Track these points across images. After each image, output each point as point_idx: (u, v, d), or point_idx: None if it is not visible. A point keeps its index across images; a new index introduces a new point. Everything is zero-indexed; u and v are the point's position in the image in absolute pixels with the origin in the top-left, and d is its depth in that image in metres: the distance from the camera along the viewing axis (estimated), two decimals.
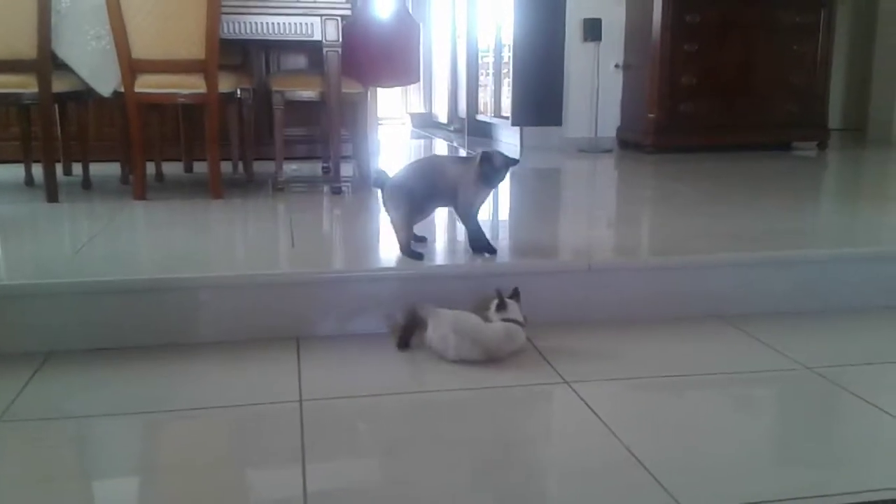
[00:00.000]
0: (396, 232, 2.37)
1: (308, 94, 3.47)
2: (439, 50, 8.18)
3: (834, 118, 5.92)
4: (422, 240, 2.48)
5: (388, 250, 2.62)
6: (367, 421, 1.69)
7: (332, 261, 2.47)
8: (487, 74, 6.63)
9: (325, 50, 3.29)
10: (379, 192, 2.39)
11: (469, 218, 2.34)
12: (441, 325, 1.95)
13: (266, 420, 1.68)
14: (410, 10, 8.28)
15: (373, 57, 3.53)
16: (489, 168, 2.25)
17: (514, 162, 2.29)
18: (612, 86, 5.64)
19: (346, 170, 4.00)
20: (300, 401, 1.74)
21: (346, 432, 1.62)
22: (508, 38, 5.79)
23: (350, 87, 3.47)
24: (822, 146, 5.29)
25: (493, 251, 2.34)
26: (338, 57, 3.30)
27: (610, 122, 5.66)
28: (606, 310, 2.25)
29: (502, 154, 2.28)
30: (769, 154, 5.12)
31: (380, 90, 6.04)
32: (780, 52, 5.21)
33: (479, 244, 2.35)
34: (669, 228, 2.82)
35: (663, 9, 5.01)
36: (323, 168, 4.16)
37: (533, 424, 1.67)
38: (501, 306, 2.02)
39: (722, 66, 5.17)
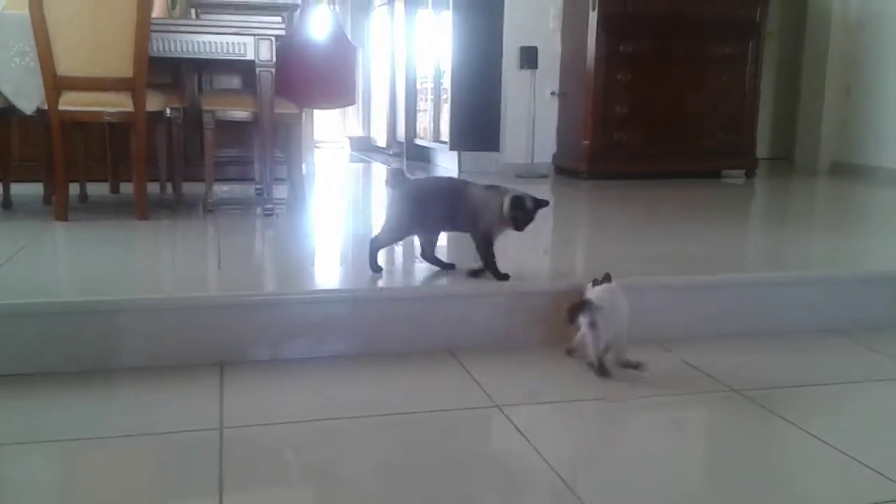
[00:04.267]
0: (380, 233, 2.35)
1: (240, 114, 3.41)
2: (378, 74, 8.18)
3: (762, 147, 6.09)
4: (450, 266, 2.42)
5: (319, 273, 2.59)
6: (290, 448, 1.63)
7: (260, 283, 2.41)
8: (426, 99, 6.65)
9: (258, 70, 3.24)
10: (390, 190, 2.35)
11: (486, 248, 2.30)
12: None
13: (185, 449, 1.61)
14: (349, 34, 8.30)
15: (308, 78, 3.50)
16: (520, 213, 2.23)
17: (544, 204, 2.26)
18: (549, 113, 5.70)
19: (280, 192, 3.94)
20: (220, 428, 1.67)
21: (266, 461, 1.56)
22: (447, 63, 5.82)
23: (284, 108, 3.43)
24: (750, 174, 5.43)
25: (505, 278, 2.30)
26: (271, 77, 3.25)
27: (546, 149, 5.72)
28: (537, 333, 2.24)
29: (532, 197, 2.24)
30: (699, 182, 5.24)
31: (317, 112, 6.00)
32: (710, 83, 5.34)
33: (494, 273, 2.31)
34: (602, 253, 2.84)
35: (597, 39, 5.10)
36: (256, 190, 4.09)
37: (463, 450, 1.64)
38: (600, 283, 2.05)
39: (654, 96, 5.28)
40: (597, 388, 1.95)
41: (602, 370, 1.98)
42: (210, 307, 2.09)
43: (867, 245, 3.20)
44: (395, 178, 2.36)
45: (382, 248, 2.39)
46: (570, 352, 2.10)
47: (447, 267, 2.42)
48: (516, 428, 1.71)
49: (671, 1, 5.27)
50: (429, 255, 2.43)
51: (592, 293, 2.03)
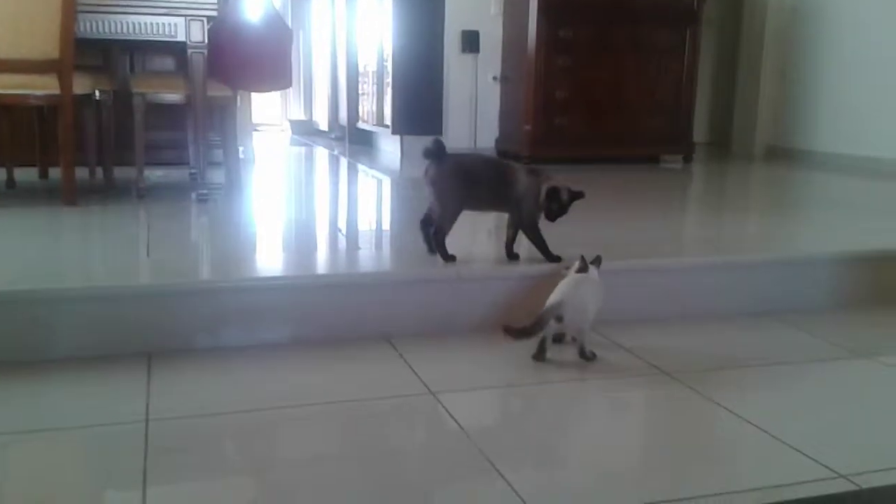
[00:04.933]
0: (440, 218, 2.26)
1: (172, 96, 3.33)
2: (319, 57, 8.07)
3: (700, 133, 6.19)
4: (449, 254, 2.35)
5: (253, 260, 2.54)
6: (218, 440, 1.60)
7: (190, 271, 2.35)
8: (368, 83, 6.58)
9: (189, 51, 3.16)
10: (430, 165, 2.23)
11: (533, 231, 2.28)
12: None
13: (109, 442, 1.56)
14: (289, 16, 8.17)
15: (242, 60, 3.42)
16: (554, 204, 2.21)
17: (580, 195, 2.24)
18: (491, 97, 5.70)
19: (217, 176, 3.86)
20: (146, 420, 1.63)
21: (192, 453, 1.52)
22: (388, 47, 5.76)
23: (217, 91, 3.35)
24: (688, 159, 5.51)
25: (557, 260, 2.28)
26: (203, 59, 3.17)
27: (489, 133, 5.72)
28: (475, 318, 2.24)
29: (569, 188, 2.22)
30: (639, 166, 5.30)
31: (256, 96, 5.90)
32: (648, 70, 5.39)
33: (546, 256, 2.30)
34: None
35: (538, 24, 5.10)
36: (190, 175, 4.00)
37: (396, 439, 1.63)
38: (582, 269, 2.03)
39: (594, 82, 5.31)
40: (532, 373, 1.95)
41: (589, 357, 1.99)
42: (136, 296, 2.03)
43: (800, 228, 3.27)
44: (437, 149, 2.21)
45: (447, 233, 2.28)
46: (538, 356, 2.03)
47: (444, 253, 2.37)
48: (450, 415, 1.70)
49: None
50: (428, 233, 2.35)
51: (558, 289, 2.00)
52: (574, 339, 2.02)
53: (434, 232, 2.29)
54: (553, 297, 1.96)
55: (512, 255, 2.36)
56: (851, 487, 1.41)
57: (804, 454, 1.53)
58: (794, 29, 5.92)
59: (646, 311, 2.37)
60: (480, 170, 2.30)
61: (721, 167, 5.70)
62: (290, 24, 7.96)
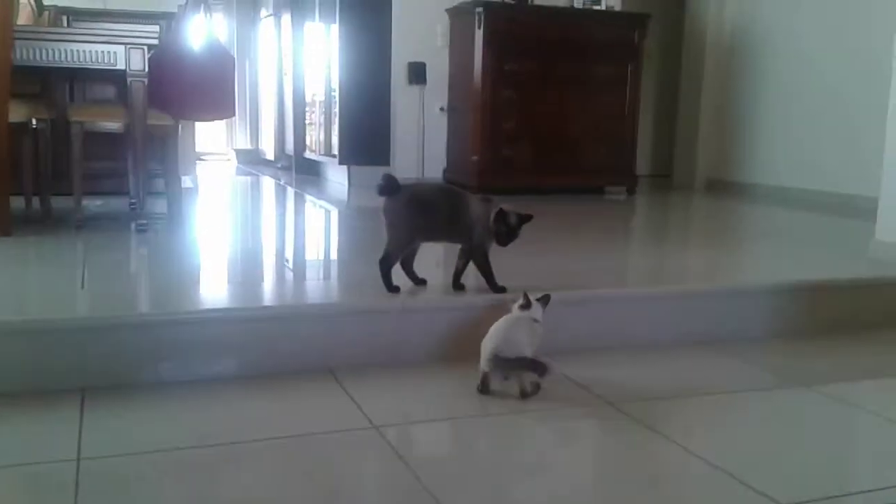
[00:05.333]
0: (389, 249, 2.24)
1: (111, 125, 3.26)
2: (266, 86, 8.03)
3: (643, 165, 6.31)
4: (422, 282, 2.35)
5: (193, 292, 2.49)
6: (151, 479, 1.54)
7: (127, 303, 2.29)
8: (315, 113, 6.56)
9: (129, 80, 3.10)
10: (385, 200, 2.22)
11: (483, 259, 2.28)
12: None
13: (37, 482, 1.50)
14: (235, 43, 8.13)
15: (183, 89, 3.38)
16: (503, 227, 2.20)
17: (528, 218, 2.23)
18: (438, 128, 5.74)
19: (158, 206, 3.78)
20: (78, 459, 1.57)
21: (125, 493, 1.47)
22: (335, 77, 5.76)
23: (158, 120, 3.30)
24: (631, 191, 5.61)
25: (502, 290, 2.28)
26: (143, 87, 3.12)
27: (437, 163, 5.74)
28: (421, 350, 2.22)
29: (516, 212, 2.21)
30: (583, 198, 5.37)
31: (201, 125, 5.83)
32: (592, 103, 5.49)
33: (492, 286, 2.30)
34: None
35: (484, 57, 5.16)
36: (130, 205, 3.91)
37: (337, 475, 1.59)
38: (525, 306, 2.01)
39: (540, 114, 5.39)
40: (477, 405, 1.93)
41: (531, 394, 1.96)
42: (70, 329, 1.96)
43: (739, 259, 3.34)
44: (389, 184, 2.22)
45: (394, 264, 2.27)
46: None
47: (420, 282, 2.36)
48: (393, 449, 1.67)
49: (554, 22, 5.41)
50: (408, 267, 2.34)
51: (491, 335, 1.97)
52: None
53: (380, 260, 2.27)
54: (486, 347, 1.94)
55: (458, 286, 2.35)
56: None
57: (745, 484, 1.54)
58: (733, 64, 6.10)
59: (589, 341, 2.37)
60: (435, 200, 2.30)
61: (663, 199, 5.81)
62: (235, 52, 7.93)
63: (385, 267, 2.27)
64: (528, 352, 1.96)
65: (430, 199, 2.31)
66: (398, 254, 2.29)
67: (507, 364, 1.92)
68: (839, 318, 2.68)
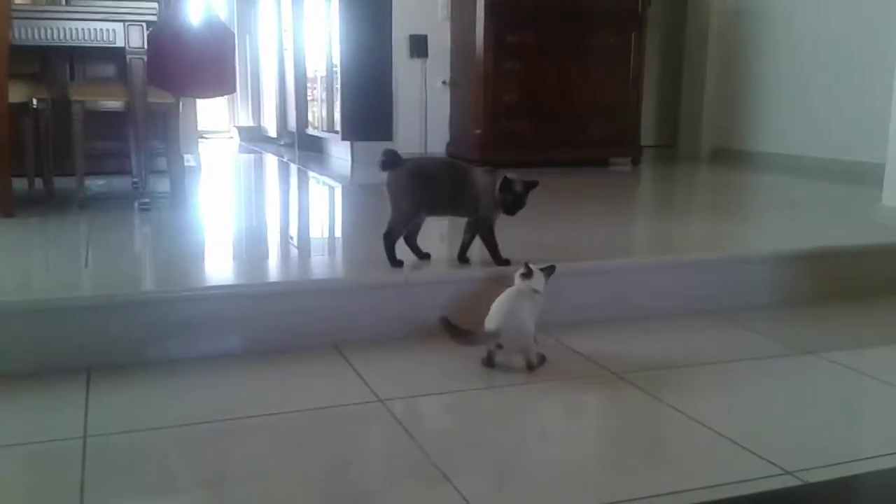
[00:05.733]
0: (393, 223, 2.25)
1: (111, 103, 3.25)
2: (267, 62, 7.98)
3: (648, 135, 6.26)
4: (426, 256, 2.36)
5: (196, 270, 2.49)
6: (161, 455, 1.55)
7: (132, 282, 2.29)
8: (317, 89, 6.53)
9: (128, 57, 3.09)
10: (387, 174, 2.23)
11: (488, 231, 2.29)
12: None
13: (45, 460, 1.51)
14: (235, 20, 8.07)
15: (183, 66, 3.36)
16: (509, 196, 2.20)
17: (534, 185, 2.23)
18: (441, 102, 5.70)
19: (161, 185, 3.78)
20: (84, 437, 1.57)
21: (133, 469, 1.47)
22: (336, 52, 5.72)
23: (159, 98, 3.28)
24: (636, 162, 5.57)
25: (506, 263, 2.28)
26: (142, 65, 3.10)
27: (440, 138, 5.71)
28: (425, 324, 2.21)
29: (522, 180, 2.21)
30: (588, 170, 5.34)
31: (204, 102, 5.81)
32: (596, 73, 5.44)
33: (496, 258, 2.30)
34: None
35: (485, 28, 5.11)
36: (133, 184, 3.91)
37: (346, 449, 1.60)
38: (527, 275, 2.00)
39: (543, 85, 5.34)
40: (482, 378, 1.94)
41: (538, 366, 1.97)
42: (75, 308, 1.97)
43: (744, 228, 3.32)
44: (392, 159, 2.22)
45: (398, 238, 2.28)
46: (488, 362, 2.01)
47: (424, 256, 2.36)
48: (399, 422, 1.68)
49: None
50: (412, 241, 2.34)
51: (494, 312, 1.95)
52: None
53: (384, 234, 2.27)
54: (489, 324, 1.93)
55: (464, 259, 2.35)
56: (798, 483, 1.43)
57: (751, 451, 1.54)
58: (738, 32, 6.03)
59: (594, 312, 2.37)
60: (438, 173, 2.30)
61: (668, 169, 5.78)
62: (236, 29, 7.87)
63: (389, 241, 2.27)
64: (531, 327, 1.96)
65: (433, 172, 2.30)
66: (402, 228, 2.28)
67: (509, 351, 1.94)
68: (845, 284, 2.67)
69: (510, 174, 2.22)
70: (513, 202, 2.22)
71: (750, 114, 5.92)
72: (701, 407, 1.77)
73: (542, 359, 1.98)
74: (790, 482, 1.43)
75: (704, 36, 6.22)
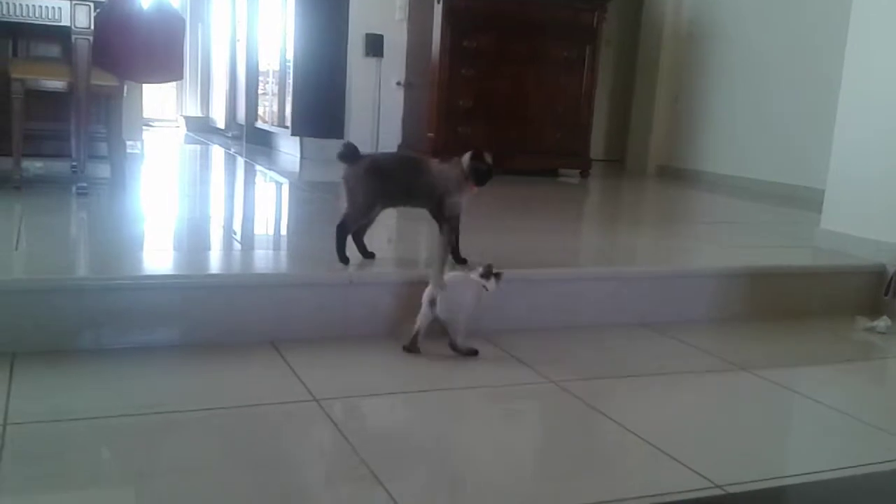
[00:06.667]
0: (346, 214, 2.24)
1: (53, 83, 3.15)
2: (218, 53, 7.85)
3: (597, 149, 6.33)
4: (370, 255, 2.34)
5: (136, 258, 2.42)
6: (85, 446, 1.49)
7: (64, 267, 2.21)
8: (268, 82, 6.44)
9: (73, 37, 3.00)
10: (345, 168, 2.25)
11: (455, 221, 2.30)
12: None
13: None
14: (188, 8, 7.92)
15: (130, 49, 3.27)
16: (481, 164, 2.24)
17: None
18: (395, 103, 5.67)
19: (101, 170, 3.67)
20: (3, 424, 1.51)
21: (57, 460, 1.42)
22: (291, 46, 5.65)
23: (103, 80, 3.19)
24: (585, 174, 5.62)
25: (463, 262, 2.32)
26: (88, 45, 3.01)
27: (392, 138, 5.68)
28: (367, 324, 2.19)
29: (489, 153, 2.26)
30: (538, 179, 5.37)
31: (151, 90, 5.69)
32: (549, 84, 5.47)
33: (454, 255, 2.32)
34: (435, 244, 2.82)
35: (442, 32, 5.10)
36: (72, 167, 3.79)
37: (277, 447, 1.56)
38: (485, 276, 2.07)
39: (497, 93, 5.35)
40: (420, 380, 1.92)
41: (461, 351, 2.03)
42: (1, 291, 1.89)
43: (685, 244, 3.37)
44: (350, 152, 2.25)
45: (351, 231, 2.28)
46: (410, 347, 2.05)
47: (369, 255, 2.34)
48: (333, 422, 1.65)
49: (514, 1, 5.36)
50: (359, 238, 2.33)
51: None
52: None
53: (337, 226, 2.26)
54: (427, 293, 2.00)
55: (460, 260, 2.36)
56: (727, 498, 1.44)
57: (683, 464, 1.56)
58: (688, 54, 6.14)
59: (533, 320, 2.38)
60: (394, 165, 2.36)
61: (615, 183, 5.85)
62: (188, 16, 7.73)
63: (341, 232, 2.26)
64: (466, 313, 2.02)
65: (389, 166, 2.34)
66: (357, 220, 2.28)
67: (441, 315, 1.99)
68: (781, 304, 2.73)
69: (478, 147, 2.29)
70: (486, 171, 2.26)
71: (696, 134, 6.03)
72: (635, 418, 1.79)
73: (474, 352, 2.03)
74: (719, 495, 1.45)
75: (656, 56, 6.33)
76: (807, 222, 3.38)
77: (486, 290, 2.07)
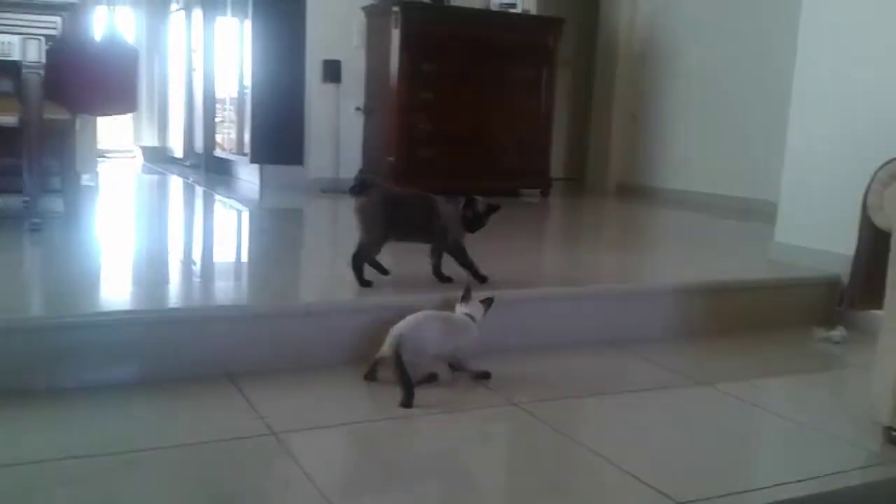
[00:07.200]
0: (365, 242, 2.32)
1: (4, 119, 3.09)
2: (175, 81, 7.79)
3: (557, 168, 6.38)
4: (385, 272, 2.43)
5: (91, 294, 2.37)
6: (44, 490, 1.45)
7: (15, 306, 2.15)
8: (226, 110, 6.40)
9: (24, 71, 2.95)
10: (358, 199, 2.35)
11: (461, 252, 2.42)
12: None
13: None
14: (144, 37, 7.88)
15: (83, 82, 3.24)
16: (471, 213, 2.34)
17: (496, 208, 2.39)
18: (354, 128, 5.66)
19: (55, 205, 3.61)
20: None
21: None
22: (248, 73, 5.63)
23: (55, 114, 3.15)
24: (545, 194, 5.66)
25: (484, 279, 2.43)
26: (39, 80, 2.97)
27: (352, 164, 5.65)
28: (327, 354, 2.17)
29: (485, 202, 2.37)
30: (499, 200, 5.36)
31: (105, 120, 5.62)
32: (508, 106, 5.52)
33: (476, 277, 2.42)
34: (398, 270, 2.81)
35: (400, 57, 5.12)
36: (23, 202, 3.72)
37: (235, 485, 1.53)
38: (465, 298, 2.11)
39: (456, 116, 5.38)
40: (381, 410, 1.91)
41: (370, 374, 2.02)
42: None
43: (645, 261, 3.41)
44: (363, 185, 2.35)
45: (369, 259, 2.36)
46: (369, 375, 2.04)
47: (385, 272, 2.43)
48: (292, 457, 1.63)
49: (471, 24, 5.42)
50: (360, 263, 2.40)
51: (406, 319, 2.00)
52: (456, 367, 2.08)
53: (355, 255, 2.35)
54: (392, 331, 1.96)
55: (444, 278, 2.44)
56: None
57: (645, 482, 1.56)
58: (643, 73, 6.24)
59: (496, 342, 2.36)
60: (405, 201, 2.44)
61: (576, 202, 5.90)
62: (144, 47, 7.69)
63: (359, 262, 2.35)
64: (433, 351, 1.99)
65: (401, 199, 2.45)
66: (375, 248, 2.37)
67: (397, 364, 1.91)
68: (739, 317, 2.76)
69: (473, 196, 2.38)
70: (472, 220, 2.36)
71: (654, 151, 6.12)
72: (596, 436, 1.79)
73: (433, 377, 2.02)
74: None
75: (612, 75, 6.42)
76: (763, 235, 3.43)
77: (473, 318, 2.10)
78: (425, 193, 2.48)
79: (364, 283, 2.33)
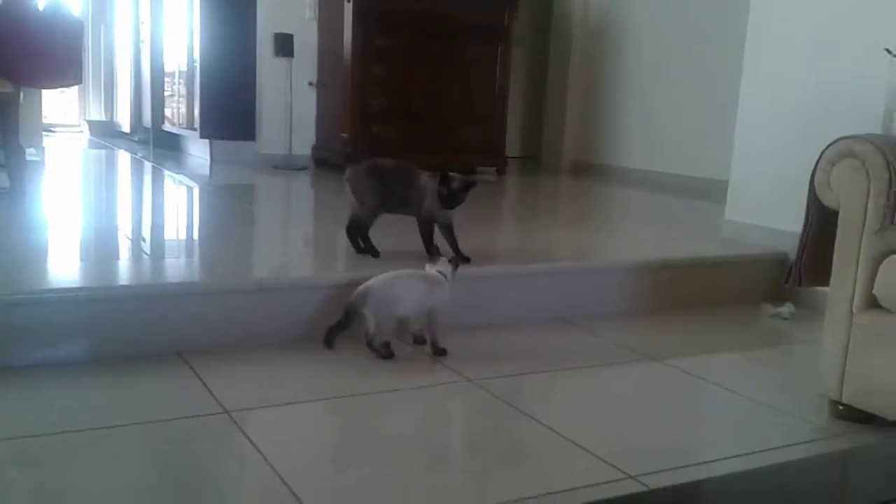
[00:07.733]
0: (361, 213, 2.41)
1: None
2: (122, 54, 7.60)
3: (513, 147, 6.40)
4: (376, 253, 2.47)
5: (37, 270, 2.31)
6: None
7: None
8: (175, 84, 6.26)
9: None
10: (347, 170, 2.44)
11: (427, 224, 2.45)
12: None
13: None
14: (90, 9, 7.66)
15: (25, 53, 3.13)
16: (445, 189, 2.35)
17: (472, 184, 2.41)
18: (307, 104, 5.59)
19: (1, 180, 3.50)
20: None
21: None
22: (198, 46, 5.51)
23: None
24: (501, 172, 5.67)
25: (436, 253, 2.33)
26: None
27: (306, 140, 5.59)
28: (279, 331, 2.15)
29: (461, 178, 2.38)
30: None
31: (51, 94, 5.47)
32: (463, 83, 5.50)
33: (428, 249, 2.40)
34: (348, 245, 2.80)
35: (353, 31, 5.06)
36: None
37: (186, 464, 1.51)
38: (434, 257, 2.15)
39: (411, 92, 5.34)
40: (334, 387, 1.90)
41: (378, 351, 2.02)
42: None
43: (598, 238, 3.44)
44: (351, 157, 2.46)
45: (367, 229, 2.42)
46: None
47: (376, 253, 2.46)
48: (245, 434, 1.61)
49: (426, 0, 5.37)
50: (362, 233, 2.47)
51: (375, 281, 2.02)
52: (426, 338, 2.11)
53: (348, 227, 2.42)
54: (363, 287, 1.99)
55: (464, 258, 2.42)
56: (640, 488, 1.47)
57: (596, 456, 1.58)
58: (597, 51, 6.26)
59: (451, 319, 2.36)
60: (392, 171, 2.48)
61: (531, 180, 5.92)
62: (90, 18, 7.47)
63: (355, 231, 2.43)
64: (408, 311, 2.05)
65: (390, 171, 2.49)
66: (370, 217, 2.44)
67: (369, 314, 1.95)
68: (689, 294, 2.81)
69: (451, 173, 2.40)
70: (447, 196, 2.38)
71: (608, 130, 6.16)
72: (550, 413, 1.81)
73: (387, 346, 2.01)
74: (633, 487, 1.47)
75: (567, 53, 6.43)
76: (714, 214, 3.48)
77: (444, 275, 2.12)
78: (411, 165, 2.53)
79: (360, 250, 2.43)
